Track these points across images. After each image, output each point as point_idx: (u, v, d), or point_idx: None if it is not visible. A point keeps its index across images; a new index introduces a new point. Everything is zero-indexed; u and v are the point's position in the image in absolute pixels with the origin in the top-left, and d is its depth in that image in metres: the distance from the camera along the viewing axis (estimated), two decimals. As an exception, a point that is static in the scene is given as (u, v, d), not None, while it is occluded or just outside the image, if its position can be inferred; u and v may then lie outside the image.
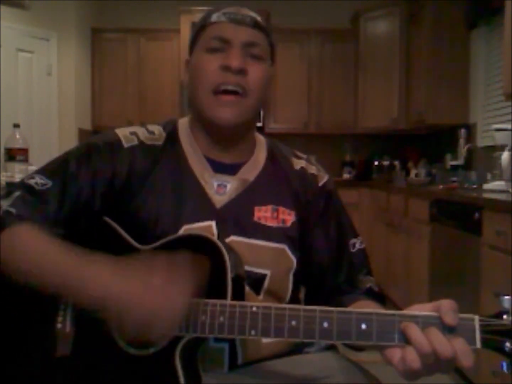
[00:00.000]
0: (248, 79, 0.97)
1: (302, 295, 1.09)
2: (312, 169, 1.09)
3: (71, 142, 4.98)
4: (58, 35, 5.01)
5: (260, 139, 1.11)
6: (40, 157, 3.74)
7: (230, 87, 0.96)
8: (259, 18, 1.01)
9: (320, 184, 1.08)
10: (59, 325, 0.90)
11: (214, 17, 0.99)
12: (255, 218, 1.00)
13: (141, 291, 0.77)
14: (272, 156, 1.08)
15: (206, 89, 0.97)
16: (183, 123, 1.08)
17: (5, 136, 2.62)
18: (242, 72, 0.96)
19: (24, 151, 2.55)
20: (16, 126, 2.59)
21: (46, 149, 4.66)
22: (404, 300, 3.67)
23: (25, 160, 2.56)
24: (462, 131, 3.87)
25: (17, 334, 0.92)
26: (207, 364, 0.91)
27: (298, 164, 1.09)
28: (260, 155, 1.07)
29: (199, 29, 1.02)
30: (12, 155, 2.52)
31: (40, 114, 4.86)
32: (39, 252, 0.86)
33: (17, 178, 2.34)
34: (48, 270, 0.84)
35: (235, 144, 1.03)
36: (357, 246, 1.07)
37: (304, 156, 1.13)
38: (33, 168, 2.42)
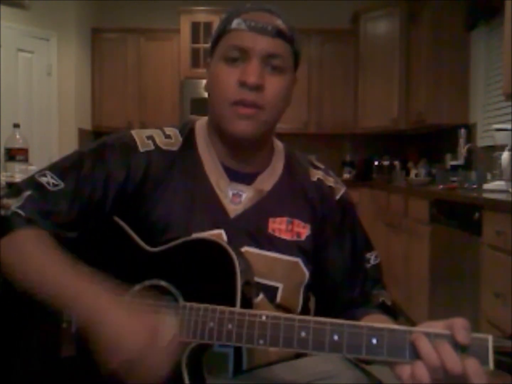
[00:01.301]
0: (265, 94, 0.93)
1: (312, 304, 1.08)
2: (330, 181, 1.07)
3: (71, 142, 4.99)
4: (58, 35, 5.01)
5: (279, 146, 1.08)
6: (40, 157, 3.77)
7: (246, 103, 0.93)
8: (283, 26, 0.95)
9: (337, 197, 1.06)
10: (64, 325, 0.90)
11: (234, 24, 0.95)
12: (269, 230, 0.98)
13: (137, 326, 0.76)
14: (289, 166, 1.06)
15: (224, 102, 0.94)
16: (201, 127, 1.05)
17: (5, 136, 2.62)
18: (259, 88, 0.92)
19: (24, 151, 2.55)
20: (16, 126, 2.59)
21: (46, 149, 4.67)
22: (404, 300, 3.67)
23: (25, 160, 2.55)
24: (462, 131, 3.87)
25: (22, 333, 0.92)
26: (211, 369, 0.90)
27: (315, 175, 1.06)
28: (278, 165, 1.05)
29: (219, 33, 0.98)
30: (12, 155, 2.51)
31: (40, 114, 4.86)
32: (40, 260, 0.86)
33: (17, 178, 2.34)
34: (47, 280, 0.84)
35: (252, 154, 1.01)
36: (372, 261, 1.05)
37: (322, 166, 1.10)
38: (33, 168, 2.42)
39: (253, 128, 0.94)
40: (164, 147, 1.00)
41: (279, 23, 0.96)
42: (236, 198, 0.99)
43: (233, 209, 0.98)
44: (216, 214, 0.97)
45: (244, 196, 0.99)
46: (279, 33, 0.94)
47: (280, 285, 0.97)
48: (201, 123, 1.06)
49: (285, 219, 1.00)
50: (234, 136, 0.96)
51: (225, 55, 0.95)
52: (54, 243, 0.89)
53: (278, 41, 0.94)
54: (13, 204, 0.92)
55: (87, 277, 0.82)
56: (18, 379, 0.91)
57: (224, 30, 0.96)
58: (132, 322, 0.77)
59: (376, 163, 5.24)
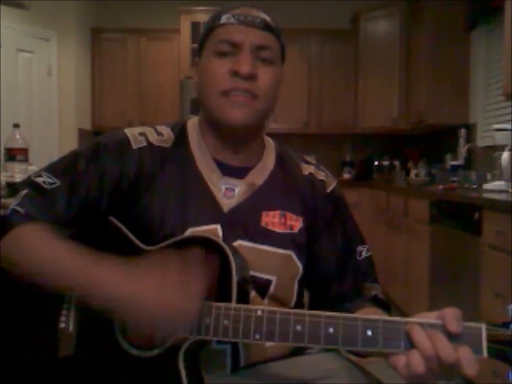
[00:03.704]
0: (258, 84, 0.95)
1: (305, 299, 1.08)
2: (321, 175, 1.08)
3: (71, 142, 4.99)
4: (58, 35, 5.01)
5: (270, 142, 1.10)
6: (40, 157, 3.77)
7: (239, 93, 0.94)
8: (269, 19, 0.98)
9: (328, 190, 1.07)
10: (62, 325, 0.90)
11: (224, 19, 0.97)
12: (263, 223, 0.99)
13: (155, 292, 0.77)
14: (281, 161, 1.07)
15: (216, 92, 0.95)
16: (192, 124, 1.06)
17: (5, 136, 2.62)
18: (252, 77, 0.94)
19: (24, 151, 2.55)
20: (16, 126, 2.58)
21: (46, 149, 4.67)
22: (404, 300, 3.68)
23: (25, 160, 2.55)
24: (462, 131, 3.87)
25: (20, 333, 0.92)
26: (209, 366, 0.91)
27: (307, 169, 1.08)
28: (269, 159, 1.06)
29: (208, 30, 1.00)
30: (12, 155, 2.51)
31: (40, 114, 4.86)
32: (49, 252, 0.86)
33: (17, 178, 2.34)
34: (58, 270, 0.84)
35: (244, 146, 1.02)
36: (364, 254, 1.06)
37: (313, 161, 1.12)
38: (33, 168, 2.42)
39: (247, 115, 0.95)
40: (156, 144, 1.02)
41: (265, 16, 0.99)
42: (229, 192, 1.00)
43: (227, 203, 0.99)
44: (211, 209, 0.98)
45: (237, 190, 1.00)
46: (267, 26, 0.97)
47: (273, 278, 0.98)
48: (192, 121, 1.08)
49: (278, 212, 1.01)
50: (228, 126, 0.96)
51: (216, 49, 0.96)
52: (57, 233, 0.90)
53: (266, 34, 0.97)
54: (12, 203, 0.93)
55: (97, 260, 0.83)
56: (17, 379, 0.91)
57: (213, 27, 0.98)
58: (150, 288, 0.78)
59: (376, 163, 5.24)
